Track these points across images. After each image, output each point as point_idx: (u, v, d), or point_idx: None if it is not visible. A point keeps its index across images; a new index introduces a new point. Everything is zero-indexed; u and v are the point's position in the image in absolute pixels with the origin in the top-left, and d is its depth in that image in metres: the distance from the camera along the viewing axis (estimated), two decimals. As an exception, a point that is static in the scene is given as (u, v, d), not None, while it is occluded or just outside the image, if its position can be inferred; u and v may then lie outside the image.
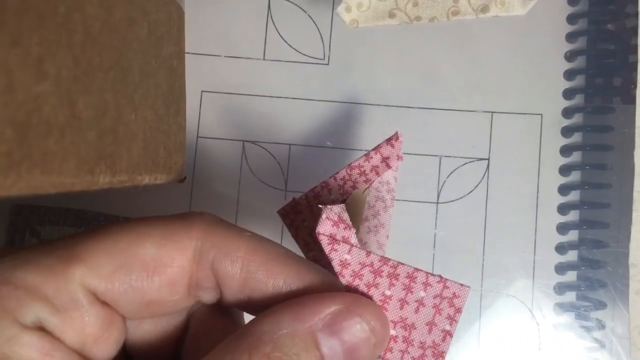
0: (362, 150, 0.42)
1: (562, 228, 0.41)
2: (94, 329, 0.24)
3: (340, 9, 0.37)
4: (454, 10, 0.37)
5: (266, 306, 0.24)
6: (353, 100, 0.43)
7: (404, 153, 0.34)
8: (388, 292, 0.25)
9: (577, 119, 0.42)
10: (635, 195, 0.37)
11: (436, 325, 0.25)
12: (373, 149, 0.33)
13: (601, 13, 0.42)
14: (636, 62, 0.37)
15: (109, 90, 0.23)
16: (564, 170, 0.42)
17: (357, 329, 0.23)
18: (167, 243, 0.25)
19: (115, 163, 0.24)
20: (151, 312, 0.25)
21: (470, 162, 0.42)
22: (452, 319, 0.25)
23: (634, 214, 0.37)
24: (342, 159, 0.42)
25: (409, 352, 0.25)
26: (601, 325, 0.41)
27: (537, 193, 0.42)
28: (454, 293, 0.25)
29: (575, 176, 0.42)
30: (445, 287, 0.25)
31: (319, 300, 0.23)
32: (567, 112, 0.42)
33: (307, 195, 0.33)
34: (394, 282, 0.24)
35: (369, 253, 0.24)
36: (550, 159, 0.42)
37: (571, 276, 0.41)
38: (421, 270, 0.25)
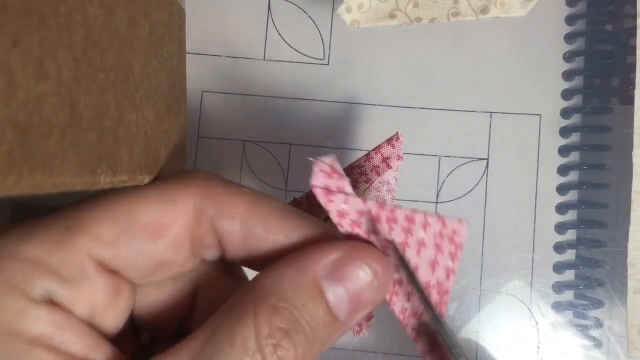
0: (362, 150, 0.42)
1: (561, 228, 0.42)
2: (102, 297, 0.24)
3: (341, 10, 0.37)
4: (455, 11, 0.37)
5: (269, 261, 0.24)
6: (353, 101, 0.43)
7: (404, 153, 0.34)
8: (389, 237, 0.24)
9: (575, 119, 0.42)
10: (633, 195, 0.37)
11: (439, 265, 0.25)
12: (374, 149, 0.33)
13: (600, 14, 0.42)
14: (634, 63, 0.37)
15: (110, 90, 0.23)
16: (563, 170, 0.42)
17: (360, 275, 0.23)
18: (168, 204, 0.24)
19: (116, 163, 0.24)
20: (159, 274, 0.25)
21: (469, 162, 0.42)
22: (454, 256, 0.25)
23: (633, 214, 0.37)
24: (343, 159, 0.42)
25: (414, 293, 0.25)
26: (599, 325, 0.41)
27: (536, 193, 0.42)
28: (454, 230, 0.25)
29: (573, 176, 0.42)
30: (444, 225, 0.25)
31: (320, 250, 0.23)
32: (565, 113, 0.42)
33: (308, 195, 0.33)
34: (393, 226, 0.24)
35: (365, 200, 0.24)
36: (549, 159, 0.42)
37: (570, 275, 0.41)
38: (419, 212, 0.24)
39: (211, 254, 0.26)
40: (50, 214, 0.24)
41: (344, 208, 0.24)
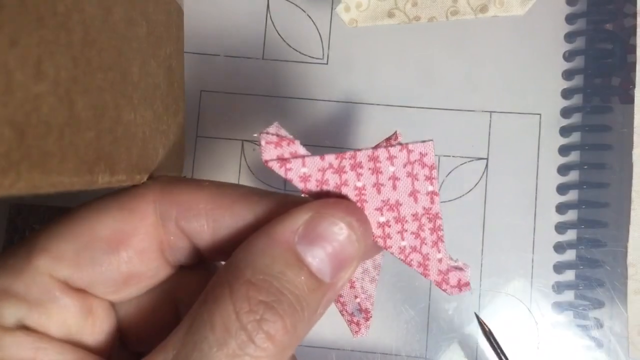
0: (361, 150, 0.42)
1: (561, 227, 0.42)
2: (74, 317, 0.23)
3: (340, 8, 0.37)
4: (453, 10, 0.37)
5: None
6: (352, 100, 0.43)
7: (403, 152, 0.34)
8: (359, 184, 0.23)
9: (575, 118, 0.42)
10: (633, 194, 0.37)
11: (419, 192, 0.24)
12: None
13: (600, 13, 0.42)
14: (634, 62, 0.37)
15: (108, 90, 0.23)
16: (563, 169, 0.42)
17: (334, 231, 0.22)
18: (124, 213, 0.24)
19: (114, 163, 0.24)
20: (133, 287, 0.25)
21: (469, 161, 0.42)
22: (430, 178, 0.24)
23: (632, 214, 0.37)
24: (341, 158, 0.42)
25: (406, 230, 0.24)
26: (599, 324, 0.41)
27: (536, 192, 0.42)
28: (421, 153, 0.23)
29: (573, 176, 0.42)
30: (409, 151, 0.23)
31: (288, 215, 0.22)
32: (565, 112, 0.42)
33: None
34: (359, 171, 0.23)
35: (322, 156, 0.23)
36: (548, 158, 0.42)
37: (569, 275, 0.41)
38: (380, 147, 0.23)
39: (186, 257, 0.26)
40: (17, 242, 0.24)
41: (304, 171, 0.23)
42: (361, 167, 0.23)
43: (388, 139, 0.33)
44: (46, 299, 0.23)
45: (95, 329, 0.24)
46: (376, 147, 0.24)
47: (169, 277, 0.26)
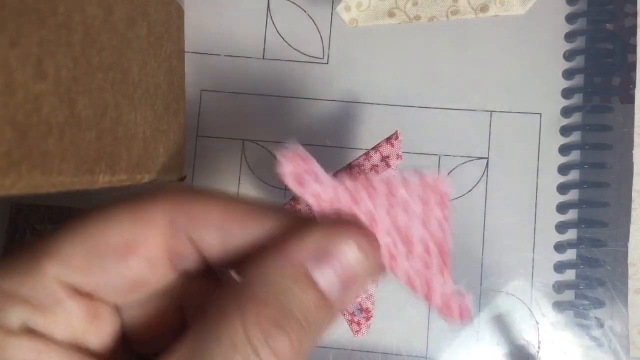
0: (362, 149, 0.42)
1: (561, 227, 0.42)
2: (80, 322, 0.23)
3: (340, 8, 0.37)
4: (454, 9, 0.37)
5: (253, 260, 0.23)
6: (353, 100, 0.43)
7: (404, 152, 0.34)
8: (370, 205, 0.23)
9: (576, 118, 0.42)
10: (634, 194, 0.37)
11: (429, 217, 0.24)
12: (373, 148, 0.33)
13: (600, 13, 0.42)
14: (635, 62, 0.37)
15: (108, 90, 0.23)
16: (563, 169, 0.42)
17: (345, 251, 0.22)
18: (137, 222, 0.24)
19: (115, 163, 0.24)
20: (139, 292, 0.25)
21: (469, 161, 0.42)
22: (442, 205, 0.24)
23: (633, 213, 0.37)
24: (342, 158, 0.42)
25: (412, 253, 0.24)
26: (600, 324, 0.41)
27: (537, 192, 0.42)
28: (435, 179, 0.24)
29: (574, 175, 0.42)
30: (423, 177, 0.24)
31: (299, 235, 0.22)
32: (566, 112, 0.42)
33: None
34: (372, 192, 0.23)
35: (336, 174, 0.23)
36: (549, 158, 0.42)
37: (570, 275, 0.41)
38: (395, 172, 0.23)
39: (193, 264, 0.25)
40: (24, 245, 0.24)
41: (318, 189, 0.23)
42: (373, 189, 0.23)
43: (389, 139, 0.33)
44: (52, 303, 0.23)
45: (100, 332, 0.24)
46: (387, 163, 0.24)
47: (175, 282, 0.26)
